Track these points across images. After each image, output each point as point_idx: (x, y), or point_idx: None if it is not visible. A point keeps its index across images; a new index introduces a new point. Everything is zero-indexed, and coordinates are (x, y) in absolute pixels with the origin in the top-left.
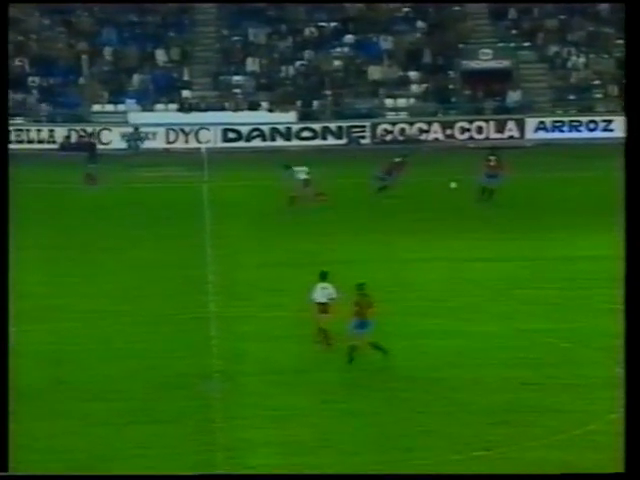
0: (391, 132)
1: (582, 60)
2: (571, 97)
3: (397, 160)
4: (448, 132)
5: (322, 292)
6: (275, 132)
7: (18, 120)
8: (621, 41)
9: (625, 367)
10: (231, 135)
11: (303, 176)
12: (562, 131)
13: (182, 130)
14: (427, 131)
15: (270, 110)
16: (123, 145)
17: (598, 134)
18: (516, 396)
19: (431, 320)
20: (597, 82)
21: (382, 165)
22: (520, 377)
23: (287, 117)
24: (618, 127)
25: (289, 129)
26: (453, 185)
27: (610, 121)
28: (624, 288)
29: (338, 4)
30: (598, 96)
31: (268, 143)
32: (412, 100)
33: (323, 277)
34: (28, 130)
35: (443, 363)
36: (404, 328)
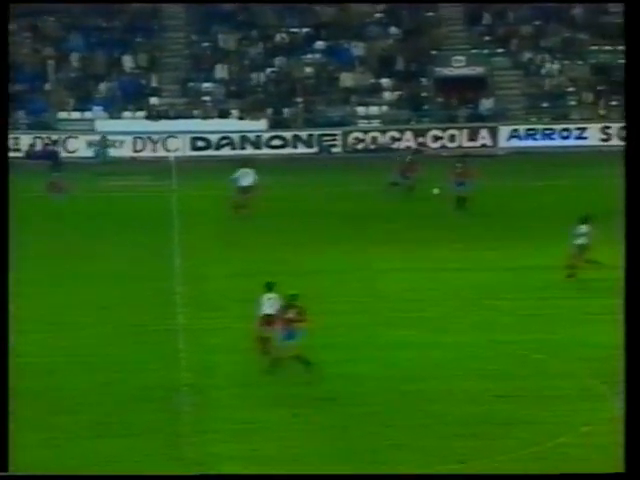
0: (363, 141)
1: (556, 67)
2: (545, 104)
3: (408, 159)
4: (421, 140)
5: (268, 303)
6: (245, 140)
7: None
8: (596, 47)
9: (625, 367)
10: (200, 143)
11: (245, 183)
12: (535, 139)
13: (150, 138)
14: (399, 139)
15: (240, 118)
16: (90, 153)
17: (571, 142)
18: (488, 408)
19: (403, 331)
20: (571, 89)
21: (394, 169)
22: (492, 389)
23: (257, 125)
24: (592, 135)
25: (259, 137)
26: (436, 191)
27: (584, 129)
28: (624, 294)
29: (309, 10)
30: (572, 103)
31: (238, 152)
32: (384, 108)
33: (269, 288)
34: None
35: (415, 375)
36: (376, 339)
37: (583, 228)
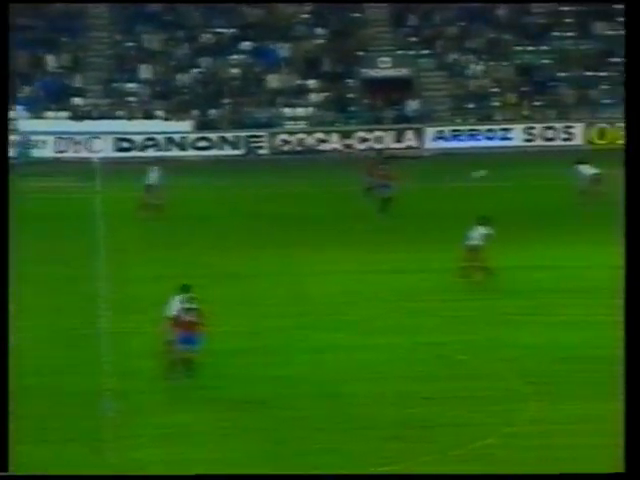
0: (289, 142)
1: (481, 68)
2: (470, 105)
3: (377, 161)
4: (347, 142)
5: (176, 305)
6: (170, 142)
7: None
8: (520, 47)
9: (625, 368)
10: (124, 144)
11: (151, 181)
12: (461, 140)
13: (73, 139)
14: (326, 141)
15: (166, 119)
16: (11, 154)
17: (496, 143)
18: (414, 410)
19: (331, 334)
20: (496, 90)
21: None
22: (418, 391)
23: (183, 126)
24: (516, 136)
25: (185, 139)
26: (482, 173)
27: (508, 129)
28: (624, 295)
29: (235, 10)
30: (496, 104)
31: (163, 153)
32: (311, 109)
33: (185, 290)
34: None
35: (342, 378)
36: (304, 342)
37: (480, 230)
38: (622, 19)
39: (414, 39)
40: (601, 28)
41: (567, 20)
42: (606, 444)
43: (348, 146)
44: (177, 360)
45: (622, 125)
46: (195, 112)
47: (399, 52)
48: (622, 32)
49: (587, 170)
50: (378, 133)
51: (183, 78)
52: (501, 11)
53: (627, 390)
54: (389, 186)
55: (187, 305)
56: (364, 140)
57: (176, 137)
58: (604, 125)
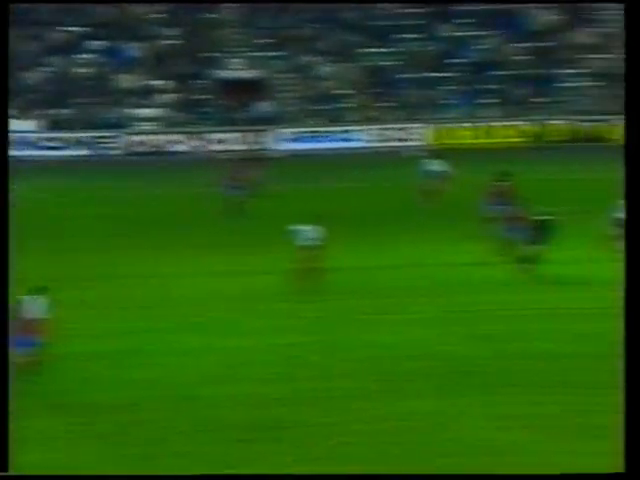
0: (142, 143)
1: (332, 69)
2: (322, 107)
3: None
4: (200, 143)
5: (28, 306)
6: (19, 141)
7: None
8: (369, 49)
9: (625, 367)
10: None
11: None
12: (313, 142)
13: None
14: (179, 142)
15: (15, 117)
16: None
17: (347, 144)
18: (268, 412)
19: (185, 336)
20: (347, 91)
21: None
22: (272, 392)
23: (31, 126)
24: (365, 137)
25: (34, 138)
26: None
27: (359, 131)
28: (624, 291)
29: (86, 9)
30: (348, 105)
31: (10, 152)
32: (164, 110)
33: (37, 292)
34: None
35: (198, 380)
36: (160, 345)
37: (309, 230)
38: (462, 21)
39: (266, 41)
40: (444, 30)
41: (412, 22)
42: (451, 438)
43: (202, 147)
44: (22, 363)
45: (466, 125)
46: (45, 111)
47: (251, 54)
48: (464, 33)
49: (435, 168)
50: (231, 134)
51: (32, 77)
52: (349, 13)
53: (627, 390)
54: (243, 188)
55: (36, 307)
56: (218, 141)
57: (25, 136)
58: (447, 125)
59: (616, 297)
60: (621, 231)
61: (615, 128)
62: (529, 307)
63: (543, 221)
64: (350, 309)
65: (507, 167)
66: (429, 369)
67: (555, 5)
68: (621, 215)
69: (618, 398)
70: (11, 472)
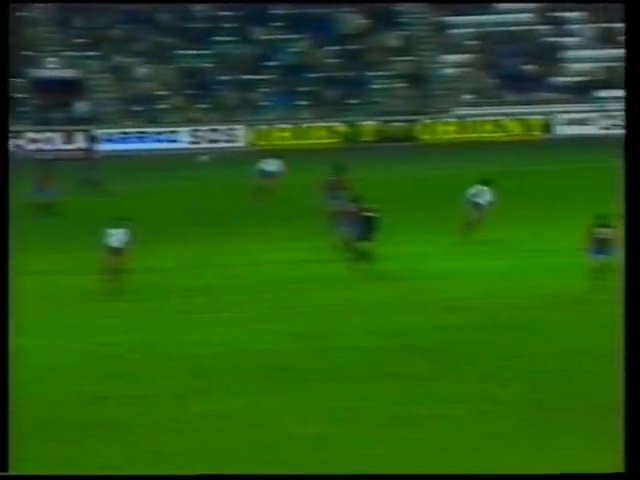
0: None
1: (147, 71)
2: (138, 108)
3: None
4: (16, 143)
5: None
6: None
7: None
8: (183, 51)
9: (625, 367)
10: None
11: None
12: (129, 142)
13: None
14: None
15: None
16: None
17: (164, 145)
18: (93, 410)
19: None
20: (162, 93)
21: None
22: (94, 391)
23: None
24: (183, 138)
25: None
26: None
27: (175, 132)
28: (623, 287)
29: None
30: (163, 107)
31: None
32: None
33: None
34: None
35: (24, 380)
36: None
37: (116, 232)
38: (276, 24)
39: (81, 40)
40: (258, 33)
41: (227, 25)
42: (267, 434)
43: (17, 147)
44: None
45: (283, 126)
46: None
47: (66, 53)
48: (278, 37)
49: (269, 168)
50: (47, 134)
51: None
52: (164, 15)
53: (627, 390)
54: (46, 190)
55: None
56: (33, 141)
57: None
58: (264, 127)
59: (437, 290)
60: (478, 215)
61: (423, 128)
62: (351, 303)
63: (370, 217)
64: (169, 308)
65: (339, 164)
66: (246, 366)
67: (364, 9)
68: (479, 200)
69: (434, 389)
70: (11, 472)
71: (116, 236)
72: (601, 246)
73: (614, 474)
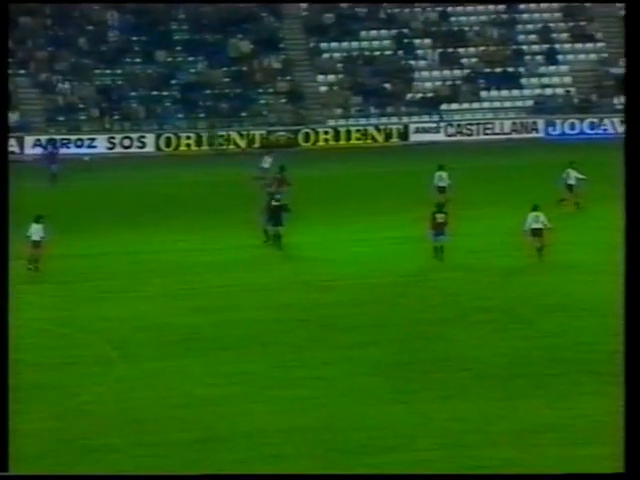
0: None
1: (68, 86)
2: (61, 118)
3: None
4: None
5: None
6: None
7: None
8: (99, 70)
9: (625, 367)
10: None
11: None
12: (67, 148)
13: None
14: None
15: None
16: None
17: (84, 150)
18: (24, 377)
19: None
20: (81, 105)
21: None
22: (28, 359)
23: None
24: (101, 144)
25: None
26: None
27: (94, 139)
28: (624, 284)
29: None
30: (83, 117)
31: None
32: None
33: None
34: None
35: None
36: None
37: (36, 227)
38: (179, 48)
39: (12, 60)
40: (162, 55)
41: (136, 48)
42: (176, 394)
43: None
44: None
45: (185, 134)
46: None
47: None
48: (179, 59)
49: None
50: None
51: None
52: (83, 40)
53: (627, 390)
54: None
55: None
56: None
57: None
58: (169, 135)
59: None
60: None
61: (303, 136)
62: (245, 283)
63: (280, 206)
64: (92, 289)
65: (281, 164)
66: (158, 337)
67: (250, 37)
68: None
69: (312, 354)
70: (11, 472)
71: (36, 231)
72: (438, 229)
73: (614, 474)
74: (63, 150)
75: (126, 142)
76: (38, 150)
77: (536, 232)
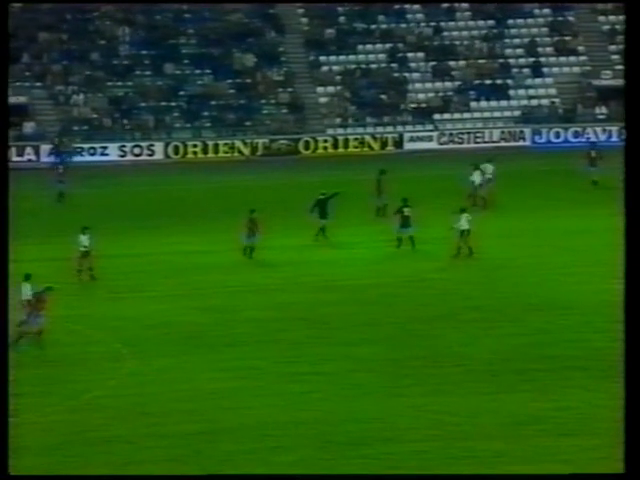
0: None
1: (82, 98)
2: (76, 128)
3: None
4: None
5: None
6: None
7: None
8: (110, 83)
9: (625, 367)
10: None
11: None
12: (82, 155)
13: None
14: None
15: None
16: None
17: (98, 158)
18: (38, 372)
19: None
20: (94, 116)
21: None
22: (45, 355)
23: None
24: (112, 152)
25: None
26: None
27: (106, 147)
28: (625, 284)
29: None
30: (96, 127)
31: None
32: None
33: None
34: None
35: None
36: None
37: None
38: (187, 61)
39: (28, 73)
40: (170, 68)
41: (145, 62)
42: (186, 388)
43: None
44: None
45: (192, 143)
46: None
47: (17, 83)
48: (186, 71)
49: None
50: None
51: None
52: (95, 54)
53: (627, 390)
54: None
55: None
56: None
57: None
58: (177, 143)
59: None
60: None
61: (303, 144)
62: (248, 284)
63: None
64: (104, 289)
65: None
66: (166, 335)
67: (254, 51)
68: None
69: (312, 351)
70: (11, 473)
71: (82, 241)
72: (405, 221)
73: (614, 474)
74: (77, 158)
75: (136, 150)
76: (52, 158)
77: (464, 233)
